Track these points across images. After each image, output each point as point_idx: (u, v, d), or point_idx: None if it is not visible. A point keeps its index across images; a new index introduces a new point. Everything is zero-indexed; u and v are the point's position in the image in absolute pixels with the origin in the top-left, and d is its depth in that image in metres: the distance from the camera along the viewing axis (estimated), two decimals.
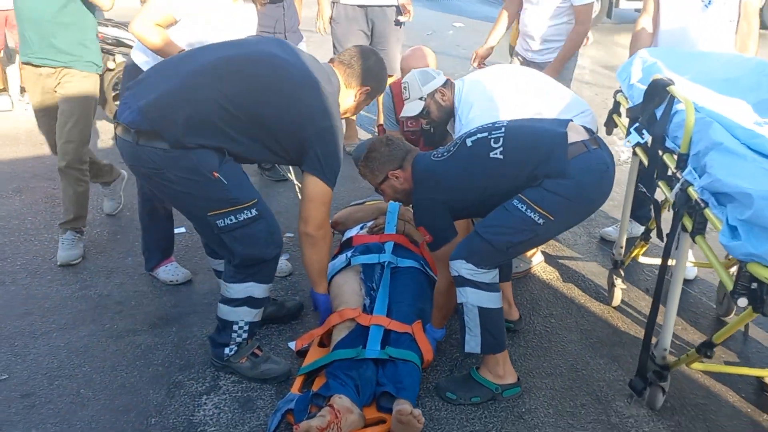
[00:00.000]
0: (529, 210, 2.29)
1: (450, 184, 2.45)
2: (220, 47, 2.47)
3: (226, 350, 2.54)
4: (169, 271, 3.29)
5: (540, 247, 3.51)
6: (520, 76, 3.24)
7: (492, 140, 2.41)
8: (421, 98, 3.07)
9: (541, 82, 3.21)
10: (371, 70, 2.64)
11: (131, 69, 2.95)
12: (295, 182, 3.56)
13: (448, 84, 3.11)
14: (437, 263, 2.64)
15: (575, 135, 2.37)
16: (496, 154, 2.38)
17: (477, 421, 2.40)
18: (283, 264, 3.35)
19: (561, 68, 3.80)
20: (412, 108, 3.11)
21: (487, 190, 2.43)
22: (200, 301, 3.15)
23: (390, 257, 2.94)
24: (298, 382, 2.49)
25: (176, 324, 2.96)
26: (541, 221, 2.29)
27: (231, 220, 2.35)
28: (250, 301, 2.51)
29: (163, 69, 2.43)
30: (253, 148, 2.40)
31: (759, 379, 2.36)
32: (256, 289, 2.50)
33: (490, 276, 2.39)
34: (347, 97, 2.64)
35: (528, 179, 2.34)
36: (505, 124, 2.49)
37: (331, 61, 2.66)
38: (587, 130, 2.46)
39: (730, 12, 3.18)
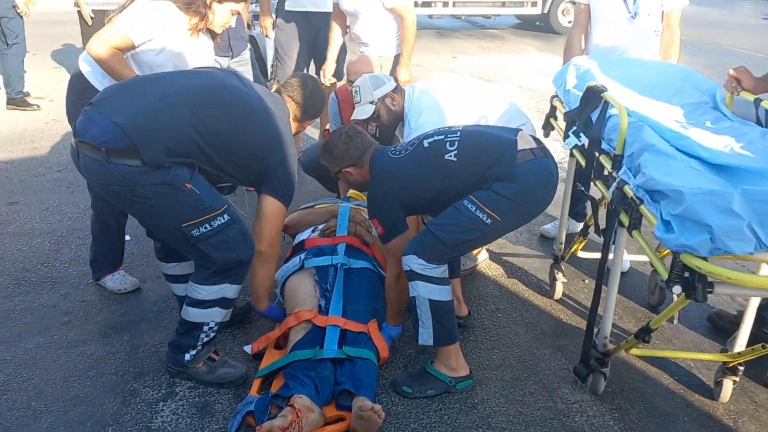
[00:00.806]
0: (478, 210, 2.41)
1: (405, 182, 2.55)
2: (187, 75, 2.54)
3: (187, 356, 2.54)
4: (117, 280, 3.24)
5: (485, 246, 3.65)
6: (466, 85, 3.43)
7: (447, 143, 2.53)
8: (371, 102, 3.17)
9: (485, 91, 3.39)
10: (316, 106, 2.84)
11: (76, 78, 2.91)
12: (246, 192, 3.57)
13: (398, 89, 3.22)
14: (387, 256, 2.73)
15: (524, 143, 2.51)
16: (450, 156, 2.50)
17: (433, 413, 2.49)
18: None
19: (409, 62, 4.19)
20: (362, 111, 3.20)
21: (440, 190, 2.54)
22: (150, 309, 3.12)
23: (343, 259, 3.00)
24: (256, 384, 2.52)
25: (127, 333, 2.93)
26: (488, 221, 2.42)
27: (206, 228, 2.36)
28: (222, 302, 2.52)
29: (129, 88, 2.41)
30: (221, 170, 2.45)
31: (724, 363, 2.55)
32: (229, 290, 2.52)
33: (440, 270, 2.50)
34: (292, 126, 2.79)
35: (479, 181, 2.46)
36: (460, 128, 2.62)
37: (279, 92, 2.77)
38: (535, 139, 2.60)
39: (655, 22, 3.40)
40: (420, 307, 2.51)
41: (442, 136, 2.58)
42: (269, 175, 2.54)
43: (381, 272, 3.04)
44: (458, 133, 2.57)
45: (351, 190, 3.83)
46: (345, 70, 3.90)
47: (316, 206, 3.54)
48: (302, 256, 3.07)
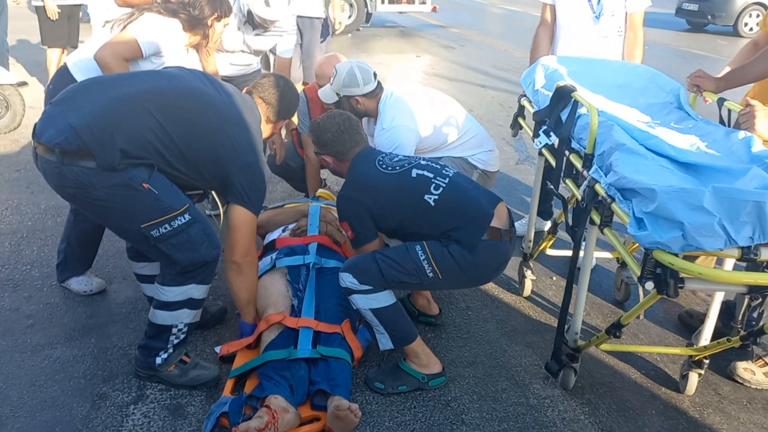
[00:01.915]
0: (426, 261, 2.48)
1: (379, 199, 2.58)
2: (152, 76, 2.48)
3: (158, 359, 2.50)
4: (82, 282, 3.17)
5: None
6: (436, 95, 3.52)
7: (433, 185, 2.58)
8: (336, 93, 3.25)
9: (455, 107, 3.49)
10: (289, 107, 2.78)
11: (62, 71, 2.89)
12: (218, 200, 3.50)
13: (375, 92, 3.27)
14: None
15: (498, 221, 2.56)
16: (430, 198, 2.55)
17: (407, 411, 2.50)
18: None
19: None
20: (328, 95, 3.30)
21: (406, 223, 2.59)
22: (118, 311, 3.06)
23: (315, 258, 2.98)
24: (229, 385, 2.49)
25: (94, 335, 2.86)
26: (431, 274, 2.49)
27: (166, 228, 2.31)
28: (190, 303, 2.48)
29: (89, 88, 2.35)
30: (184, 175, 2.40)
31: (689, 357, 2.62)
32: (196, 291, 2.47)
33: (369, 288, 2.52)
34: (266, 128, 2.76)
35: (442, 234, 2.52)
36: (450, 175, 2.65)
37: (250, 93, 2.71)
38: (509, 215, 2.67)
39: (619, 23, 3.47)
40: (367, 317, 2.54)
41: (432, 175, 2.62)
42: (232, 183, 2.44)
43: None
44: (447, 180, 2.61)
45: (321, 190, 3.82)
46: (314, 72, 3.87)
47: (285, 206, 3.52)
48: (273, 255, 3.04)
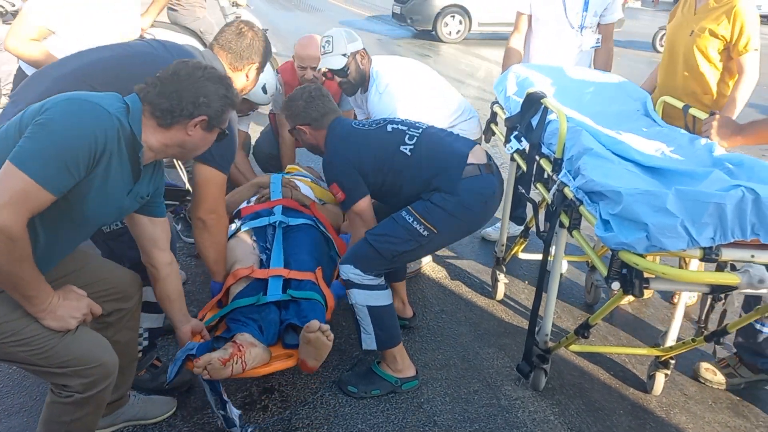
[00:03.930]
0: (415, 222, 2.47)
1: (360, 155, 2.59)
2: (94, 50, 2.37)
3: None
4: None
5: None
6: (425, 70, 3.47)
7: (407, 136, 2.59)
8: (344, 55, 3.17)
9: (439, 79, 3.47)
10: (252, 46, 2.59)
11: (18, 74, 2.84)
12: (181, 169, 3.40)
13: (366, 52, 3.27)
14: (352, 220, 2.69)
15: (474, 158, 2.57)
16: (405, 149, 2.56)
17: (380, 414, 2.51)
18: None
19: None
20: (334, 62, 3.18)
21: (389, 179, 2.58)
22: None
23: (281, 217, 2.90)
24: (197, 338, 2.37)
25: None
26: (425, 233, 2.48)
27: (117, 224, 2.28)
28: (145, 306, 2.41)
29: (36, 77, 2.32)
30: None
31: (656, 357, 2.68)
32: (149, 293, 2.40)
33: (377, 280, 2.53)
34: (238, 78, 2.59)
35: (423, 186, 2.52)
36: (424, 127, 2.66)
37: (211, 46, 2.58)
38: (487, 155, 2.67)
39: (596, 36, 3.55)
40: (359, 314, 2.54)
41: (405, 128, 2.64)
42: None
43: (322, 229, 2.97)
44: (420, 131, 2.63)
45: (290, 165, 3.72)
46: (297, 55, 3.74)
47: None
48: (238, 222, 2.96)
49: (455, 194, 2.49)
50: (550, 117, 2.59)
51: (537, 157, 2.63)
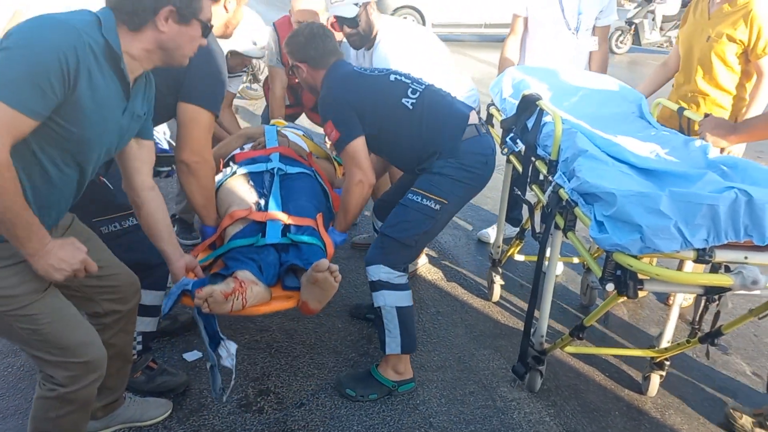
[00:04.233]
0: (424, 199, 2.47)
1: (360, 96, 2.52)
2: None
3: None
4: None
5: (424, 250, 3.71)
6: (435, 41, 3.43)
7: (410, 90, 2.55)
8: (356, 4, 3.09)
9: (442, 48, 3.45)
10: None
11: None
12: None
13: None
14: (346, 161, 2.57)
15: (473, 119, 2.57)
16: (407, 102, 2.52)
17: (376, 415, 2.51)
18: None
19: None
20: (346, 10, 3.09)
21: (385, 128, 2.53)
22: None
23: (278, 164, 2.81)
24: (191, 276, 2.30)
25: None
26: (437, 207, 2.47)
27: (116, 226, 2.27)
28: (140, 309, 2.38)
29: None
30: None
31: (651, 359, 2.68)
32: (145, 296, 2.39)
33: (404, 278, 2.54)
34: (217, 12, 2.39)
35: (421, 147, 2.50)
36: (426, 84, 2.62)
37: None
38: (480, 118, 2.66)
39: (593, 38, 3.56)
40: (387, 316, 2.52)
41: (408, 81, 2.59)
42: (178, 80, 2.19)
43: (319, 180, 2.90)
44: (423, 87, 2.58)
45: (276, 120, 3.62)
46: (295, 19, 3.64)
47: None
48: (234, 167, 2.84)
49: (456, 157, 2.47)
50: (546, 119, 2.60)
51: (532, 159, 2.63)
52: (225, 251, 2.37)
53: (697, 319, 2.39)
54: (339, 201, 2.82)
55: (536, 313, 2.62)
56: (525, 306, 3.33)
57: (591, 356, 2.95)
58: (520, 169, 2.77)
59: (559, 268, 3.71)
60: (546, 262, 2.56)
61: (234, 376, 2.18)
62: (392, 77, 2.59)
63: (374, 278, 2.50)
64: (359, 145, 2.51)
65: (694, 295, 2.81)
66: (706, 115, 2.55)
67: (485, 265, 3.75)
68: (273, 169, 2.77)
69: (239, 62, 3.48)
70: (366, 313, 3.08)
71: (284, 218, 2.48)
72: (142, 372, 2.52)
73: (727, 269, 2.02)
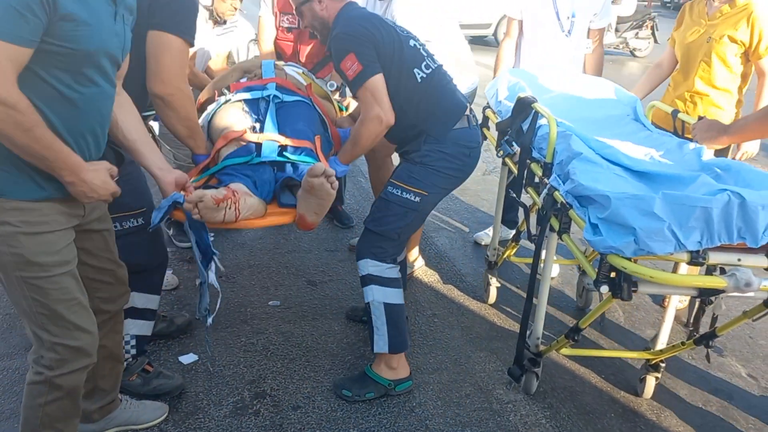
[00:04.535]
0: (404, 192, 2.49)
1: (381, 40, 2.40)
2: None
3: None
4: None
5: (420, 253, 3.72)
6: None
7: (425, 63, 2.52)
8: None
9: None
10: None
11: None
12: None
13: None
14: (364, 99, 2.40)
15: (468, 110, 2.59)
16: (418, 74, 2.48)
17: (372, 418, 2.51)
18: (169, 276, 3.29)
19: None
20: None
21: (390, 86, 2.41)
22: None
23: (275, 92, 2.66)
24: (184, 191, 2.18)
25: None
26: (417, 199, 2.49)
27: (116, 227, 2.24)
28: (132, 312, 2.41)
29: None
30: None
31: (647, 361, 2.68)
32: (137, 299, 2.41)
33: (395, 271, 2.55)
34: None
35: (411, 123, 2.48)
36: (440, 64, 2.61)
37: None
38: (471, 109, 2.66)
39: (587, 40, 3.57)
40: (375, 312, 2.54)
41: (425, 54, 2.55)
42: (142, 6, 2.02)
43: (318, 111, 2.75)
44: (436, 65, 2.57)
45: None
46: None
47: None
48: (228, 94, 2.72)
49: (441, 143, 2.47)
50: (541, 122, 2.61)
51: (528, 162, 2.64)
52: (218, 169, 2.27)
53: (692, 321, 2.39)
54: (338, 137, 2.75)
55: (532, 316, 2.62)
56: (520, 308, 3.32)
57: (587, 358, 2.95)
58: (515, 171, 2.77)
59: (555, 270, 3.72)
60: (541, 265, 2.57)
61: (220, 297, 2.15)
62: (411, 42, 2.52)
63: (363, 272, 2.53)
64: (380, 81, 2.37)
65: (689, 297, 2.81)
66: (700, 118, 2.56)
67: (481, 267, 3.75)
68: (269, 96, 2.63)
69: (228, 7, 3.34)
70: (362, 316, 3.09)
71: (281, 139, 2.38)
72: (137, 375, 2.52)
73: (722, 271, 2.03)
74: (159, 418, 2.42)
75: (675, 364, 2.94)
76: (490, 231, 4.03)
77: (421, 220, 2.64)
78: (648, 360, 2.67)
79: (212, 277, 2.12)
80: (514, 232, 3.45)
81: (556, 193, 2.26)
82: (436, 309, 3.34)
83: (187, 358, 2.78)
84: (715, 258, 1.82)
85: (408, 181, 2.49)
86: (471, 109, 2.67)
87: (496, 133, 3.02)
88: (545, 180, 2.41)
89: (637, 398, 2.72)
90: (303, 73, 3.04)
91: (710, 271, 2.18)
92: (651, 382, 2.69)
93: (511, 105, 2.83)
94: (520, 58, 3.70)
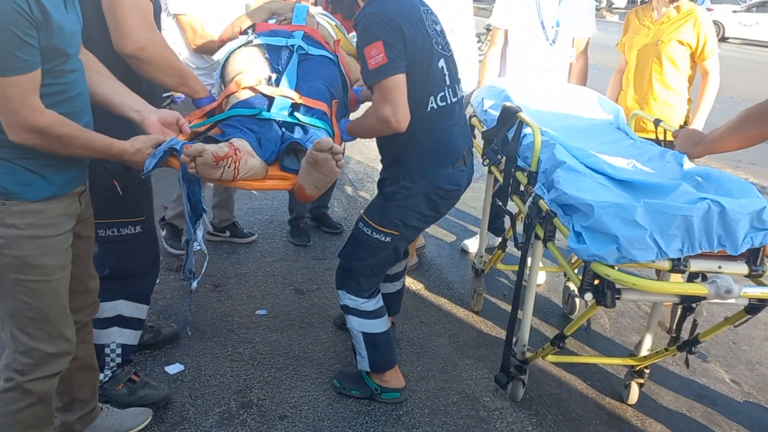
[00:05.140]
0: (374, 232, 2.46)
1: (408, 38, 2.20)
2: None
3: (101, 376, 2.44)
4: None
5: (415, 254, 3.74)
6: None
7: (441, 95, 2.33)
8: None
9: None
10: None
11: None
12: None
13: None
14: (379, 96, 2.20)
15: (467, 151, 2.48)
16: (431, 102, 2.31)
17: (359, 426, 2.51)
18: None
19: None
20: None
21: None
22: None
23: (300, 42, 2.50)
24: (180, 134, 2.05)
25: None
26: (387, 239, 2.46)
27: (113, 232, 2.26)
28: (119, 321, 2.41)
29: None
30: None
31: (631, 367, 2.70)
32: (125, 307, 2.40)
33: (373, 303, 2.55)
34: None
35: (400, 147, 2.35)
36: (459, 96, 2.45)
37: None
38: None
39: (571, 50, 3.61)
40: (355, 338, 2.58)
41: (448, 81, 2.37)
42: None
43: (342, 71, 2.60)
44: (455, 99, 2.41)
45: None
46: None
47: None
48: (251, 35, 2.57)
49: (415, 182, 2.34)
50: (526, 131, 2.63)
51: (513, 170, 2.66)
52: (224, 118, 2.15)
53: (674, 327, 2.42)
54: (355, 102, 2.66)
55: (518, 323, 2.64)
56: (507, 315, 3.35)
57: (573, 365, 2.97)
58: (501, 179, 2.79)
59: (542, 277, 3.74)
60: (527, 272, 2.59)
61: (207, 260, 2.12)
62: (441, 63, 2.30)
63: (342, 302, 2.56)
64: (401, 81, 2.16)
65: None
66: (682, 127, 2.60)
67: (468, 275, 3.77)
68: (293, 45, 2.47)
69: None
70: None
71: (295, 97, 2.24)
72: (123, 385, 2.51)
73: (704, 278, 2.06)
74: (143, 423, 2.41)
75: (659, 371, 2.96)
76: (476, 239, 4.05)
77: (397, 256, 2.58)
78: (632, 366, 2.70)
79: (199, 235, 2.04)
80: (500, 239, 3.48)
81: (541, 201, 2.28)
82: (423, 317, 3.35)
83: (173, 369, 2.77)
84: (696, 265, 1.85)
85: (379, 221, 2.43)
86: (469, 149, 2.52)
87: (482, 141, 3.05)
88: (530, 188, 2.44)
89: (623, 405, 2.74)
90: (336, 26, 2.89)
91: (692, 278, 2.21)
92: (635, 388, 2.71)
93: (497, 114, 2.86)
94: (506, 67, 3.73)
